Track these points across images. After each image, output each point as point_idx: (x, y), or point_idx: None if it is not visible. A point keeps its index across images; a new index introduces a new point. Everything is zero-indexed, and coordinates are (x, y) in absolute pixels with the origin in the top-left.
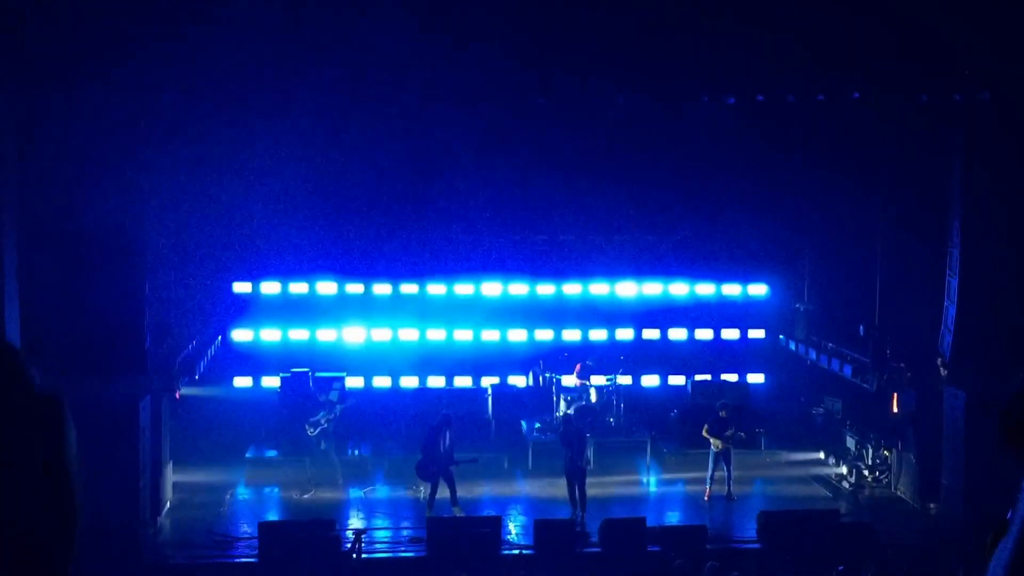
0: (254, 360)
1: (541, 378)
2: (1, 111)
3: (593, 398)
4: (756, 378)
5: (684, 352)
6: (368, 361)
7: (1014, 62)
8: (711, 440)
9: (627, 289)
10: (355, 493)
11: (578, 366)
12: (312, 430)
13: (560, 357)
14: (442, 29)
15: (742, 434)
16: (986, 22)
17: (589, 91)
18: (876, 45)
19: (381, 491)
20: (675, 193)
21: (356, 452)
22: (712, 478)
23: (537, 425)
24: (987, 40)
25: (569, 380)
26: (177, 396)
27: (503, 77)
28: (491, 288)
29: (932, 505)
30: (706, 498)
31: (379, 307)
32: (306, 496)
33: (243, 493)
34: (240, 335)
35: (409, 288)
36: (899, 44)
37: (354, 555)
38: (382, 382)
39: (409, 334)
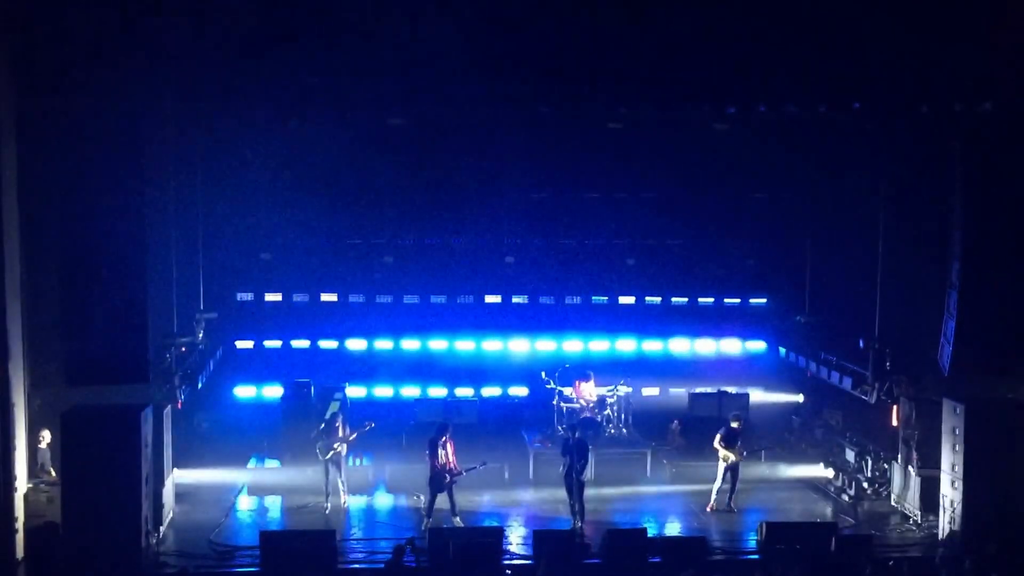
0: (256, 369)
1: (545, 388)
2: (2, 120)
3: (592, 401)
4: (756, 389)
5: (685, 363)
6: (369, 370)
7: (1015, 73)
8: (723, 452)
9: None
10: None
11: (578, 382)
12: (324, 454)
13: (561, 368)
14: (449, 43)
15: (743, 453)
16: (986, 33)
17: (593, 100)
18: (877, 56)
19: (382, 500)
20: (677, 206)
21: (359, 461)
22: (718, 489)
23: (538, 436)
24: (987, 51)
25: (569, 391)
26: (179, 405)
27: (507, 88)
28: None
29: (931, 517)
30: (708, 509)
31: (381, 318)
32: (308, 506)
33: (245, 503)
34: (243, 344)
35: (411, 299)
36: (900, 55)
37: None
38: (383, 391)
39: (411, 344)
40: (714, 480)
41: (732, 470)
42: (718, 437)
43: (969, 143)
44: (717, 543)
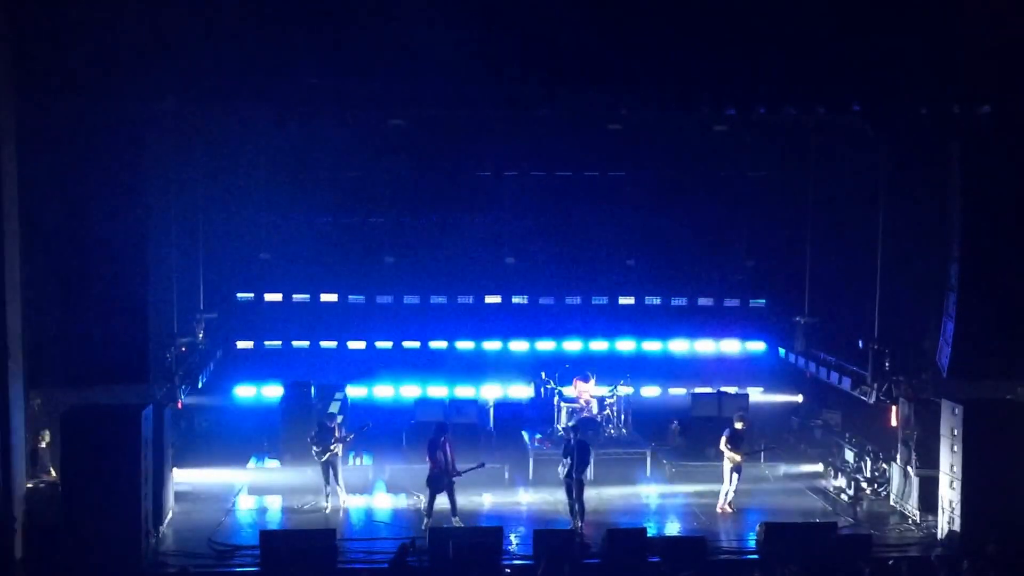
0: (256, 369)
1: (543, 389)
2: (2, 118)
3: (594, 409)
4: (755, 390)
5: (685, 364)
6: (369, 370)
7: (1013, 75)
8: (730, 455)
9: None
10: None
11: (578, 382)
12: (321, 456)
13: (561, 368)
14: (449, 43)
15: (745, 452)
16: (986, 35)
17: (593, 101)
18: (876, 58)
19: (382, 500)
20: (677, 206)
21: (359, 461)
22: (726, 492)
23: (538, 436)
24: (986, 53)
25: (570, 391)
26: (179, 405)
27: (507, 89)
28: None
29: (930, 517)
30: (718, 509)
31: (381, 319)
32: (307, 506)
33: (245, 502)
34: (243, 344)
35: (411, 299)
36: (899, 56)
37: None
38: (384, 391)
39: (411, 344)
40: (720, 481)
41: (736, 470)
42: (724, 440)
43: (968, 145)
44: (717, 543)
